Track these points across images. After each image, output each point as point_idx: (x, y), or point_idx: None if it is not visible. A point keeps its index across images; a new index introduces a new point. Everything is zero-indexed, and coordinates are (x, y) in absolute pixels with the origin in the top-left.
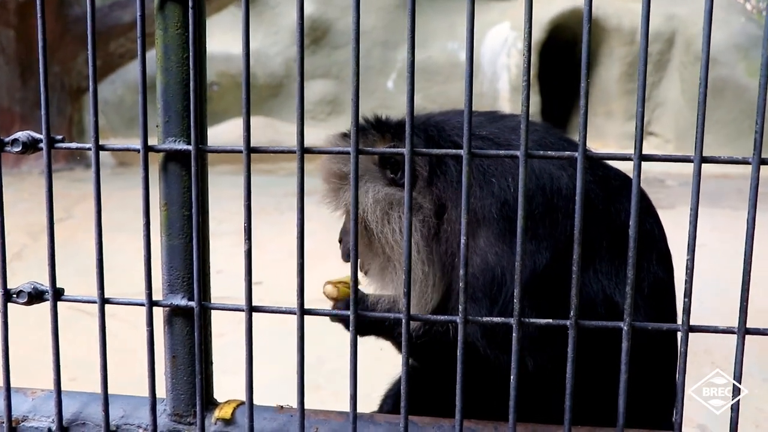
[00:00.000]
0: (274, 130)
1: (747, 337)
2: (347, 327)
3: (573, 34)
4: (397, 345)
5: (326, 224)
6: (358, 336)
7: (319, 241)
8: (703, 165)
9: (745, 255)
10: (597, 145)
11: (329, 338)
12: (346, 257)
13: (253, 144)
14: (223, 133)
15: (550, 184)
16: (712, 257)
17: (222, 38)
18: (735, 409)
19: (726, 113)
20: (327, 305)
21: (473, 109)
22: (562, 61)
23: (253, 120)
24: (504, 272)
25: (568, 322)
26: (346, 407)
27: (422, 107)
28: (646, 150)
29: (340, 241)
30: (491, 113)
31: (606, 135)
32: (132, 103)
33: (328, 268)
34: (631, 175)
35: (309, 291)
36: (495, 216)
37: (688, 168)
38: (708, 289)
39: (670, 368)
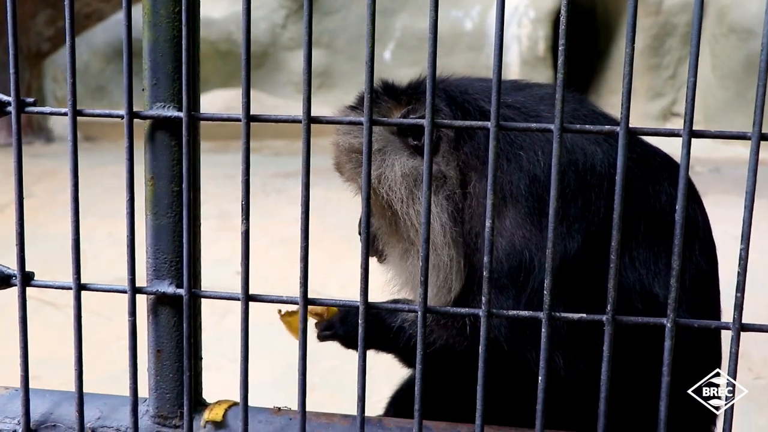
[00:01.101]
0: (259, 103)
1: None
2: (344, 343)
3: (591, 2)
4: (402, 357)
5: (318, 212)
6: (349, 349)
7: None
8: (738, 151)
9: None
10: None
11: None
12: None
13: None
14: (203, 105)
15: (584, 159)
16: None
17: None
18: None
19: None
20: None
21: (489, 76)
22: (579, 32)
23: (236, 92)
24: (532, 257)
25: (604, 317)
26: (343, 410)
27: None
28: None
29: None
30: (514, 81)
31: None
32: (98, 71)
33: (320, 257)
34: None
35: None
36: (523, 193)
37: (718, 154)
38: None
39: (712, 370)
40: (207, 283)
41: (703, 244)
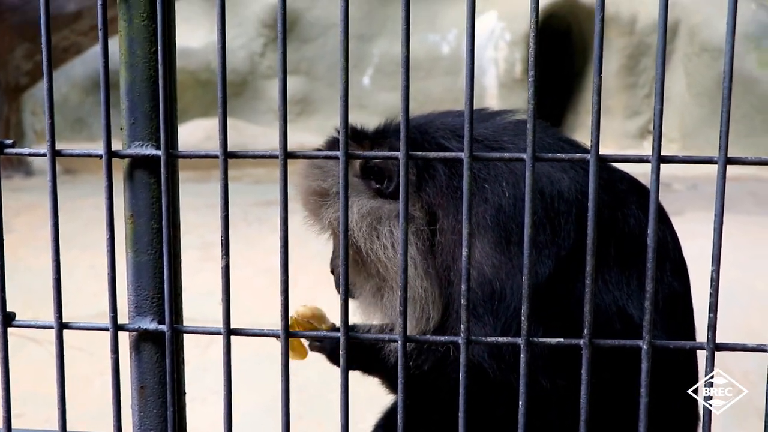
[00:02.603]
0: (237, 132)
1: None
2: (331, 358)
3: (567, 24)
4: (389, 381)
5: (300, 238)
6: (334, 365)
7: (292, 257)
8: (714, 167)
9: None
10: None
11: (309, 363)
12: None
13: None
14: (182, 135)
15: (550, 187)
16: (722, 266)
17: (178, 30)
18: None
19: (735, 108)
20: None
21: (457, 108)
22: (555, 53)
23: (216, 121)
24: (503, 285)
25: (581, 341)
26: None
27: (398, 106)
28: (647, 151)
29: (332, 272)
30: (479, 111)
31: (603, 134)
32: (77, 104)
33: (306, 282)
34: (639, 178)
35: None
36: (489, 224)
37: (695, 171)
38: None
39: (689, 387)
40: (190, 314)
41: (675, 264)
